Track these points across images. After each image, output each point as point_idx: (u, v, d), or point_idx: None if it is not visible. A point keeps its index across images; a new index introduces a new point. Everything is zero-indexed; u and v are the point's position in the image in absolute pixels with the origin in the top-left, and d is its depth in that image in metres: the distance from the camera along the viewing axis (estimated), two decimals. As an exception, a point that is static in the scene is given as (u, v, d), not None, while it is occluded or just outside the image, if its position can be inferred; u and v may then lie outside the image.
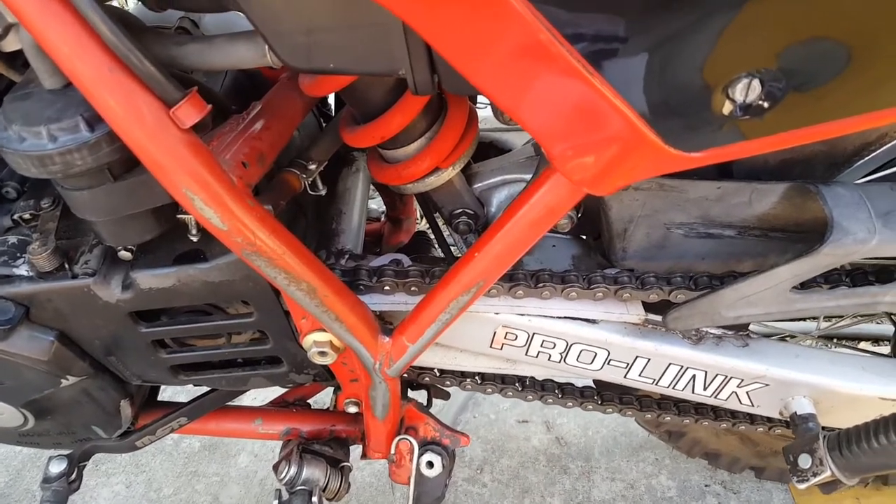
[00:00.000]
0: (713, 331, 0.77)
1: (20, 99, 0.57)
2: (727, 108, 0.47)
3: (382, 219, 1.29)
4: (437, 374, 0.92)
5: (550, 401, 0.93)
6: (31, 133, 0.54)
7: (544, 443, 1.64)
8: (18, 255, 0.70)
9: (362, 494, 1.54)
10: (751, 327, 0.88)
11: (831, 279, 0.72)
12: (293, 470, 0.83)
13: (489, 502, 1.51)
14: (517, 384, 0.93)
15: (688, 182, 0.69)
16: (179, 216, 0.64)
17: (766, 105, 0.46)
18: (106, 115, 0.51)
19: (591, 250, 0.82)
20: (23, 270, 0.70)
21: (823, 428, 0.76)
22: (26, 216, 0.72)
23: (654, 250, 0.75)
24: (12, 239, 0.72)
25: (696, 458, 1.41)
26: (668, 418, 0.93)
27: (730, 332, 0.78)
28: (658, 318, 0.76)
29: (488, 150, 0.94)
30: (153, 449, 1.68)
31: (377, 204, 1.40)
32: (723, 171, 0.73)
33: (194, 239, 0.66)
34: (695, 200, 0.71)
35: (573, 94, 0.46)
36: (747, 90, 0.45)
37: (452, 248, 1.03)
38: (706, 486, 1.52)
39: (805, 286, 0.71)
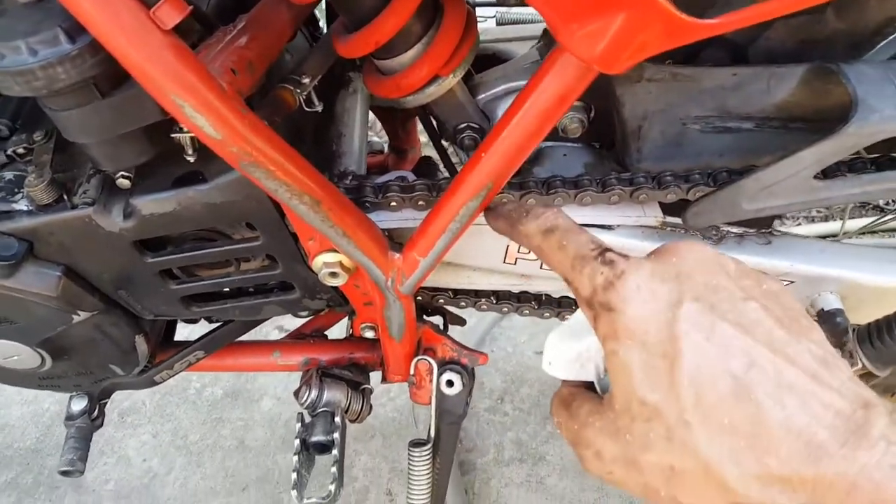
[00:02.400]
0: (734, 229, 0.75)
1: (-5, 16, 0.54)
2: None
3: (385, 150, 1.26)
4: (452, 296, 0.91)
5: (568, 316, 0.91)
6: (9, 49, 0.52)
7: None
8: (16, 190, 0.69)
9: (386, 428, 1.56)
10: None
11: (855, 167, 0.69)
12: (314, 393, 0.83)
13: (511, 430, 1.53)
14: (533, 302, 0.92)
15: (702, 70, 0.66)
16: (173, 135, 0.62)
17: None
18: (84, 19, 0.48)
19: (603, 158, 0.80)
20: (22, 205, 0.68)
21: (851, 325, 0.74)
22: (20, 150, 0.70)
23: (671, 149, 0.72)
24: (8, 175, 0.70)
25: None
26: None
27: (751, 231, 0.75)
28: (676, 220, 0.74)
29: (490, 62, 0.90)
30: (177, 399, 1.72)
31: (379, 137, 1.38)
32: (738, 58, 0.70)
33: (191, 160, 0.64)
34: (710, 90, 0.67)
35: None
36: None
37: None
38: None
39: (828, 176, 0.68)
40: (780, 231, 0.76)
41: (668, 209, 0.74)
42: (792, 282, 0.76)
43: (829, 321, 0.74)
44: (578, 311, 0.54)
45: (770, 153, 0.73)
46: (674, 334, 0.42)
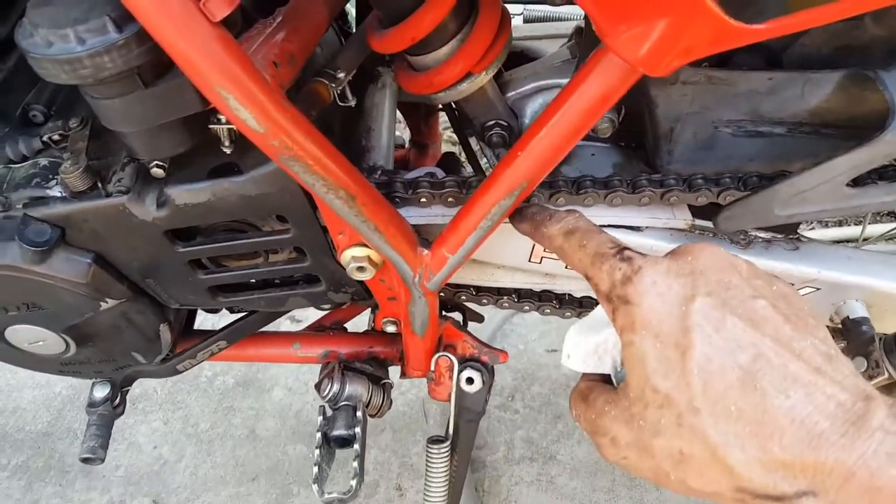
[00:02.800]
0: (762, 234, 0.75)
1: (43, 3, 0.54)
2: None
3: (407, 145, 1.26)
4: (474, 293, 0.91)
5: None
6: (58, 36, 0.52)
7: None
8: (51, 176, 0.69)
9: (396, 423, 1.57)
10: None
11: (886, 175, 0.69)
12: (336, 387, 0.84)
13: (522, 427, 1.54)
14: (555, 301, 0.92)
15: (738, 73, 0.66)
16: (211, 126, 0.62)
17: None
18: (134, 8, 0.48)
19: (632, 158, 0.80)
20: (56, 191, 0.69)
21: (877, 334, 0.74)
22: (56, 137, 0.71)
23: (701, 152, 0.72)
24: (43, 161, 0.71)
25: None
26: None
27: (779, 236, 0.76)
28: (705, 223, 0.74)
29: (519, 60, 0.90)
30: (188, 387, 1.72)
31: (401, 131, 1.38)
32: (771, 63, 0.70)
33: (227, 151, 0.64)
34: (745, 94, 0.67)
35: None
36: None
37: (484, 167, 1.01)
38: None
39: (860, 183, 0.68)
40: (807, 237, 0.76)
41: (696, 212, 0.74)
42: (818, 289, 0.76)
43: (855, 329, 0.75)
44: (597, 308, 0.57)
45: (801, 159, 0.73)
46: (686, 326, 0.45)
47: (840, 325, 0.77)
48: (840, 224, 1.91)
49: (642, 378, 0.46)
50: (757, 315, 0.45)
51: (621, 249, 0.52)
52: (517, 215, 0.67)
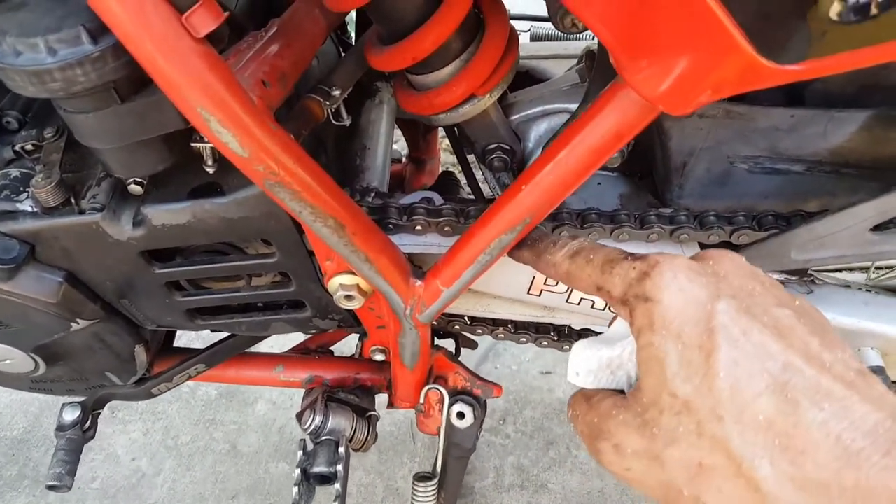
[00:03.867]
0: (775, 276, 0.71)
1: (15, 8, 0.50)
2: (835, 8, 0.40)
3: (404, 160, 1.22)
4: (468, 323, 0.87)
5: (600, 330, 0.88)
6: (27, 46, 0.48)
7: (569, 394, 1.60)
8: (21, 189, 0.65)
9: (383, 443, 1.52)
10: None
11: (908, 220, 0.65)
12: (318, 419, 0.79)
13: (513, 454, 1.49)
14: (552, 333, 0.88)
15: (758, 109, 0.62)
16: (193, 144, 0.58)
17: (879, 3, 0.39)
18: (111, 20, 0.44)
19: (640, 189, 0.76)
20: (26, 206, 0.64)
21: (893, 383, 0.70)
22: (28, 147, 0.66)
23: (714, 187, 0.68)
24: (14, 172, 0.66)
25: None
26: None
27: (793, 278, 0.72)
28: (714, 262, 0.70)
29: (524, 80, 0.86)
30: (170, 396, 1.66)
31: (398, 145, 1.34)
32: (792, 100, 0.66)
33: (210, 171, 0.60)
34: (764, 130, 0.64)
35: (656, -11, 0.39)
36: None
37: (483, 188, 0.97)
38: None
39: (881, 228, 0.64)
40: (821, 279, 0.73)
41: (707, 251, 0.70)
42: (832, 335, 0.72)
43: (869, 379, 0.71)
44: (609, 327, 0.53)
45: (818, 197, 0.70)
46: (711, 327, 0.41)
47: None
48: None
49: (660, 381, 0.42)
50: (782, 324, 0.42)
51: (632, 254, 0.48)
52: (516, 245, 0.62)
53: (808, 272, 0.75)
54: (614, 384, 0.51)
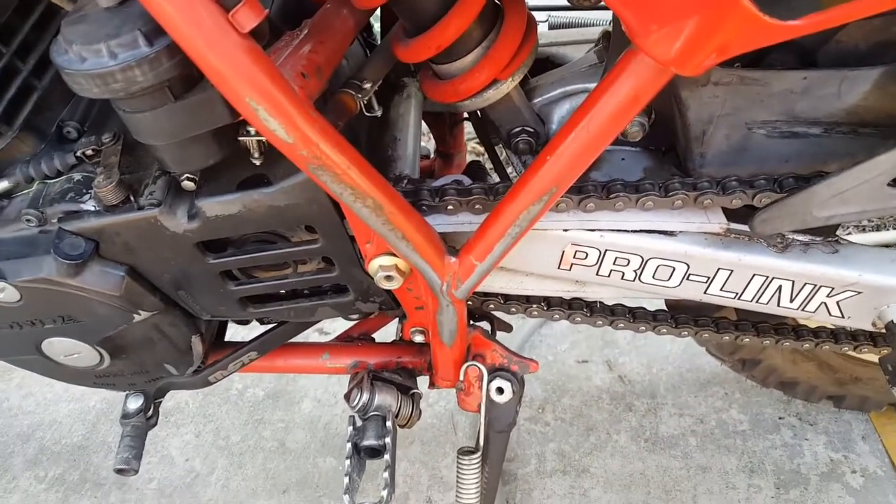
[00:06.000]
0: (800, 237, 0.73)
1: (77, 21, 0.56)
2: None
3: (432, 156, 1.26)
4: (502, 301, 0.90)
5: (622, 325, 0.90)
6: (91, 52, 0.53)
7: (606, 381, 1.62)
8: (84, 190, 0.71)
9: (425, 435, 1.56)
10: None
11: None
12: (365, 396, 0.83)
13: (553, 440, 1.51)
14: (585, 309, 0.90)
15: (771, 73, 0.65)
16: (241, 138, 0.63)
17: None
18: (164, 21, 0.49)
19: (663, 162, 0.78)
20: (90, 205, 0.70)
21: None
22: (89, 152, 0.72)
23: (734, 154, 0.71)
24: (77, 176, 0.72)
25: (771, 387, 1.36)
26: (747, 340, 0.89)
27: (818, 239, 0.73)
28: (740, 227, 0.72)
29: (545, 66, 0.90)
30: (219, 400, 1.73)
31: (425, 142, 1.38)
32: (805, 62, 0.68)
33: (257, 163, 0.65)
34: (778, 94, 0.66)
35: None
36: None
37: (510, 174, 1.00)
38: (780, 418, 1.49)
39: (900, 183, 0.66)
40: (846, 240, 0.74)
41: (731, 215, 0.72)
42: (860, 292, 0.73)
43: (900, 334, 0.72)
44: None
45: (837, 159, 0.71)
46: None
47: (884, 330, 0.75)
48: (878, 229, 1.86)
49: None
50: None
51: None
52: None
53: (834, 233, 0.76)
54: None
